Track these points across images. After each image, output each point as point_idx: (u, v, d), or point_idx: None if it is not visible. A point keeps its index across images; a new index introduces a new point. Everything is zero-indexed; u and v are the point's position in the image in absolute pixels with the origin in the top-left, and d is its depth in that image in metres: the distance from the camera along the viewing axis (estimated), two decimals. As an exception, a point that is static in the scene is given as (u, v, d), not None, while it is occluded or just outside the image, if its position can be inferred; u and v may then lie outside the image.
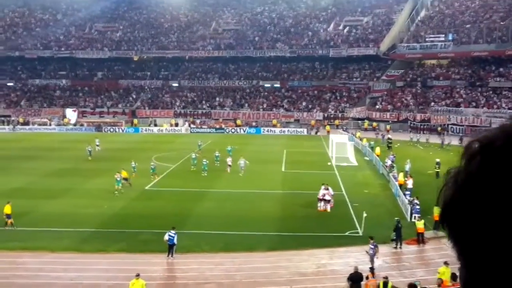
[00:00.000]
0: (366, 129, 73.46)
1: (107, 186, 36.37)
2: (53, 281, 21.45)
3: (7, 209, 28.15)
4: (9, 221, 28.00)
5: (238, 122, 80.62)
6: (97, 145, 54.98)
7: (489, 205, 0.87)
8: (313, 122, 78.64)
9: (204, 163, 42.67)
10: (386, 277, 19.28)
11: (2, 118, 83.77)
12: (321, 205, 31.37)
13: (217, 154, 46.62)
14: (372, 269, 20.50)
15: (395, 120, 75.42)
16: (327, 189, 31.97)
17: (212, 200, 34.53)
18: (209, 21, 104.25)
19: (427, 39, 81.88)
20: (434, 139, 61.99)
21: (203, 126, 79.64)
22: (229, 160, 43.79)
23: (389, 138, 59.20)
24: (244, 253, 24.78)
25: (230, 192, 36.26)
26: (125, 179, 37.00)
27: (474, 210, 0.89)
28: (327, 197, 31.54)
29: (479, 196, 0.89)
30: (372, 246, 22.77)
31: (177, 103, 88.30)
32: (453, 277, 18.46)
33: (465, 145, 0.97)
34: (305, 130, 76.19)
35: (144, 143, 62.40)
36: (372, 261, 22.24)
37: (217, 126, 78.89)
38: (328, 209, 31.35)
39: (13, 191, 36.07)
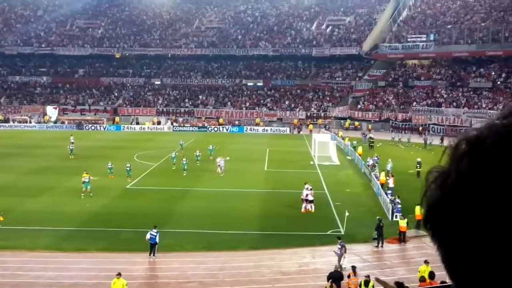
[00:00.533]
0: (347, 128, 73.94)
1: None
2: (33, 280, 21.19)
3: None
4: None
5: (221, 120, 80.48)
6: (72, 142, 54.49)
7: (480, 207, 0.85)
8: (295, 121, 78.82)
9: (184, 162, 42.40)
10: (368, 276, 19.37)
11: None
12: (305, 206, 31.35)
13: (197, 154, 46.39)
14: (354, 268, 20.56)
15: (377, 119, 75.92)
16: (311, 189, 32.00)
17: (194, 199, 34.40)
18: (192, 19, 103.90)
19: (408, 39, 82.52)
20: (416, 139, 62.55)
21: (185, 125, 79.34)
22: (219, 161, 42.32)
23: (370, 138, 59.54)
24: (226, 252, 24.74)
25: (212, 191, 36.16)
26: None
27: (465, 212, 0.87)
28: (310, 197, 31.57)
29: (470, 198, 0.87)
30: (340, 246, 22.76)
31: (160, 101, 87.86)
32: (431, 275, 18.60)
33: (453, 145, 0.95)
34: (288, 129, 76.34)
35: (125, 141, 61.96)
36: (339, 261, 22.22)
37: (200, 125, 78.67)
38: (312, 210, 31.37)
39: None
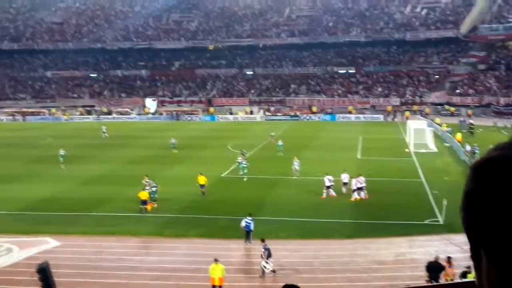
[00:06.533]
0: (452, 114, 70.72)
1: (186, 173, 37.36)
2: (136, 265, 22.36)
3: (143, 195, 29.53)
4: (144, 207, 29.34)
5: (314, 109, 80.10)
6: (104, 132, 56.87)
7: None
8: (389, 108, 76.90)
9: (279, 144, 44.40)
10: (468, 267, 18.69)
11: (87, 108, 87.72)
12: (355, 195, 31.13)
13: (280, 144, 46.26)
14: (449, 259, 19.86)
15: (477, 105, 72.42)
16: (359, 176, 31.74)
17: (287, 187, 34.69)
18: (282, 8, 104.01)
19: (510, 20, 77.75)
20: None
21: (277, 114, 79.84)
22: (295, 164, 37.41)
23: (471, 124, 56.95)
24: (320, 240, 24.79)
25: (305, 179, 36.25)
26: (202, 186, 32.69)
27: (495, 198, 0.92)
28: (359, 185, 31.15)
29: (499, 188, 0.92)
30: (263, 250, 21.47)
31: (252, 91, 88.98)
32: (463, 274, 17.73)
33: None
34: (382, 116, 74.69)
35: (220, 131, 63.48)
36: (267, 262, 21.12)
37: (292, 114, 78.85)
38: (363, 197, 31.19)
39: (97, 178, 37.95)
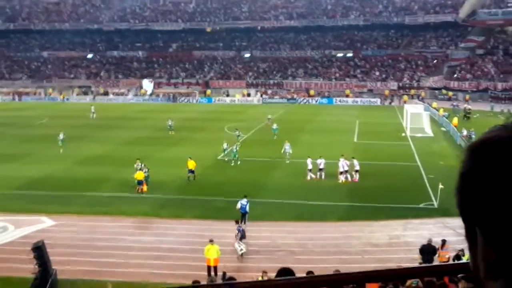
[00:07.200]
0: (450, 98, 70.60)
1: (182, 155, 37.25)
2: (131, 245, 22.40)
3: (139, 175, 29.53)
4: (140, 187, 29.33)
5: (312, 92, 79.94)
6: (93, 112, 56.96)
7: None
8: (387, 92, 76.82)
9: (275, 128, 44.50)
10: (461, 250, 18.79)
11: (84, 89, 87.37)
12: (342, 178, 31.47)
13: (275, 127, 46.05)
14: (443, 242, 19.94)
15: (474, 89, 72.41)
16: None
17: (284, 169, 34.72)
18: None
19: (509, 4, 77.46)
20: (517, 110, 59.12)
21: (275, 97, 79.68)
22: (287, 148, 36.99)
23: (469, 109, 56.92)
24: (316, 222, 24.87)
25: (301, 162, 36.22)
26: (191, 171, 31.82)
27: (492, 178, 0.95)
28: (346, 168, 31.54)
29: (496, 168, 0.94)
30: (237, 231, 21.55)
31: (249, 74, 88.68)
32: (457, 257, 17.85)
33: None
34: (379, 100, 74.64)
35: (217, 113, 63.35)
36: (239, 243, 21.17)
37: (289, 97, 78.69)
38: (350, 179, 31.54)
39: (93, 158, 37.89)
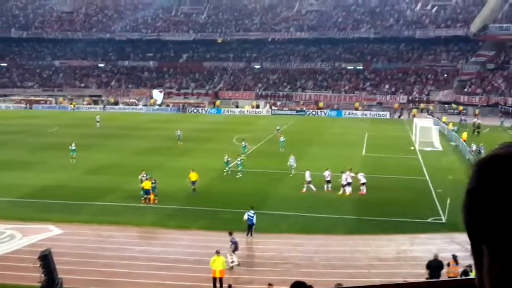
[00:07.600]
0: (460, 112, 70.18)
1: (190, 165, 37.26)
2: (137, 255, 22.43)
3: (146, 185, 29.55)
4: (147, 197, 29.31)
5: (321, 104, 79.93)
6: (98, 122, 57.05)
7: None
8: (396, 105, 76.66)
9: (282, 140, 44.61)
10: (469, 266, 18.64)
11: (94, 98, 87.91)
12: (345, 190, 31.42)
13: (282, 140, 46.01)
14: (455, 257, 19.82)
15: (485, 104, 72.09)
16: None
17: (291, 181, 34.66)
18: (292, 2, 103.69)
19: (521, 19, 77.31)
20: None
21: (284, 108, 79.76)
22: (291, 161, 36.58)
23: (478, 124, 56.55)
24: (322, 235, 24.80)
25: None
26: (193, 182, 31.56)
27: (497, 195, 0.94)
28: (350, 180, 31.42)
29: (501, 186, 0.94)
30: (230, 243, 21.43)
31: (259, 85, 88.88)
32: (465, 272, 17.66)
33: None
34: (388, 113, 74.48)
35: (226, 124, 63.49)
36: (231, 255, 21.03)
37: (298, 109, 78.73)
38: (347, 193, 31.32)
39: (102, 168, 38.06)
